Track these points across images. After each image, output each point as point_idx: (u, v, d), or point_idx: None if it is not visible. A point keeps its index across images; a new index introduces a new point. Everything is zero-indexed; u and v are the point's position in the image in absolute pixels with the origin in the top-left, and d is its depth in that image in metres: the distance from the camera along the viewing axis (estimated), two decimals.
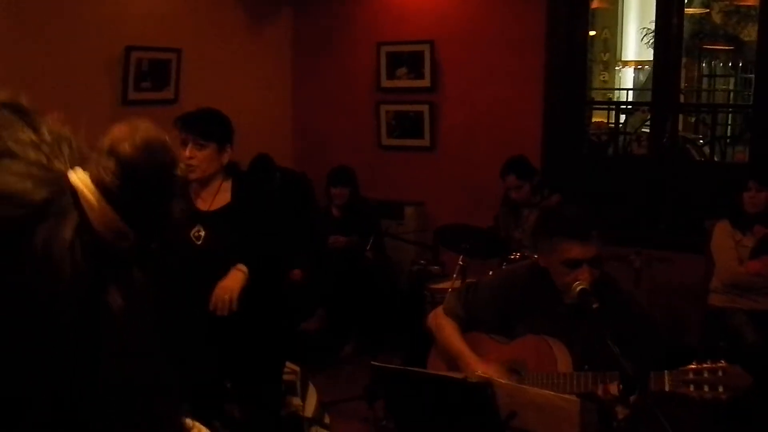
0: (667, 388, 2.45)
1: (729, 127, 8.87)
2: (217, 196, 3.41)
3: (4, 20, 5.05)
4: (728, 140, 8.50)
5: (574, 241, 2.71)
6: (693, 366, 2.44)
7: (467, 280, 4.60)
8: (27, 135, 0.72)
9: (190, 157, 3.31)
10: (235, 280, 3.29)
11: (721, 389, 2.38)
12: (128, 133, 0.70)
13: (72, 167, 0.69)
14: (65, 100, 5.38)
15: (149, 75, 5.85)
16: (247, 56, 6.68)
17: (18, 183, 0.65)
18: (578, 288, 2.68)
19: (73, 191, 0.66)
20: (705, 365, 2.42)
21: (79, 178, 0.68)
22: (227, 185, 3.43)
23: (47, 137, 0.73)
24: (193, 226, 3.37)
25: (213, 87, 6.06)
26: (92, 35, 5.46)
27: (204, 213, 3.38)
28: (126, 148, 0.69)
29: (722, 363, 2.41)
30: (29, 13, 5.16)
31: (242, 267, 3.30)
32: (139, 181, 0.68)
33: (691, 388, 2.42)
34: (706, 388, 2.40)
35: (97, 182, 0.68)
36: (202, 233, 3.36)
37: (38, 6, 5.18)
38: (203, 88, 5.98)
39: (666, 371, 2.46)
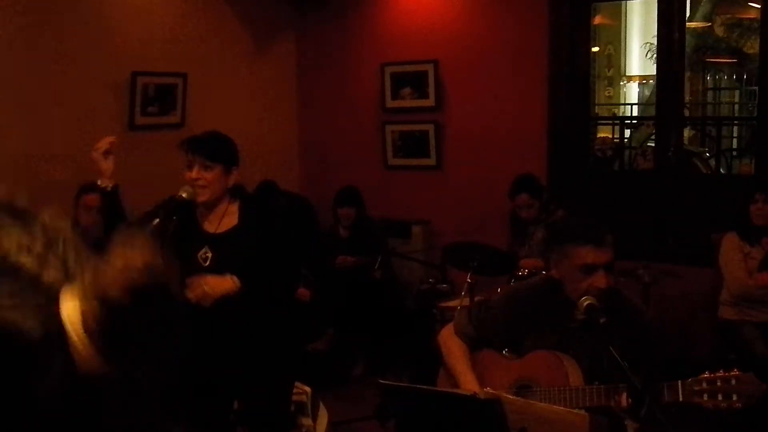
0: (681, 398, 2.45)
1: (735, 140, 8.88)
2: (224, 219, 3.41)
3: (13, 46, 5.10)
4: (734, 153, 8.50)
5: (588, 246, 2.72)
6: (706, 375, 2.44)
7: (477, 298, 4.61)
8: (21, 239, 0.75)
9: (197, 179, 3.32)
10: (224, 281, 3.29)
11: (735, 397, 2.38)
12: (119, 275, 0.73)
13: (60, 283, 0.72)
14: (74, 125, 5.46)
15: (156, 100, 5.90)
16: (252, 79, 6.73)
17: (25, 321, 0.70)
18: (585, 303, 2.68)
19: (61, 331, 0.71)
20: (718, 374, 2.42)
21: (68, 317, 0.72)
22: (234, 208, 3.42)
23: (38, 244, 0.76)
24: (200, 248, 3.38)
25: (219, 110, 6.11)
26: (99, 61, 5.52)
27: (211, 235, 3.39)
28: (115, 294, 0.73)
29: (735, 371, 2.41)
30: (37, 39, 5.22)
31: (236, 280, 3.30)
32: (125, 325, 0.73)
33: (705, 397, 2.42)
34: (720, 397, 2.40)
35: (85, 326, 0.73)
36: (210, 255, 3.36)
37: (46, 32, 5.24)
38: (209, 111, 6.03)
39: (680, 381, 2.46)
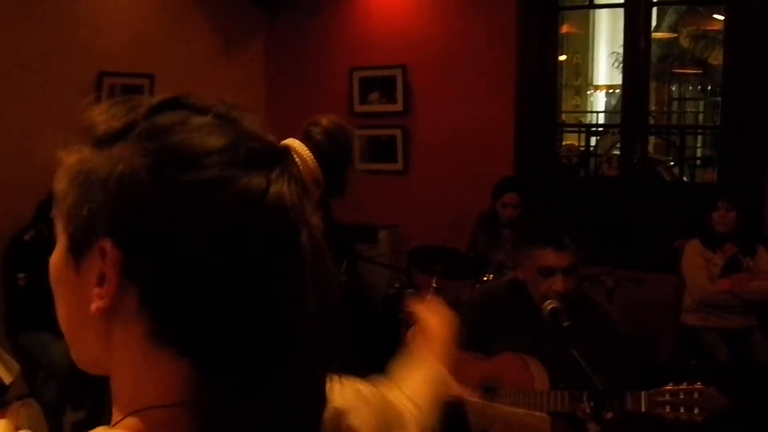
0: (643, 409, 2.45)
1: (698, 149, 9.00)
2: None
3: None
4: (698, 161, 8.61)
5: (547, 249, 2.74)
6: (669, 387, 2.44)
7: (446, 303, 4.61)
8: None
9: None
10: None
11: (696, 411, 2.39)
12: (322, 118, 0.96)
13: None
14: (38, 125, 5.38)
15: None
16: (220, 82, 6.69)
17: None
18: (549, 307, 2.69)
19: (287, 151, 0.88)
20: (681, 386, 2.43)
21: (292, 141, 0.93)
22: None
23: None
24: None
25: None
26: (65, 61, 5.46)
27: None
28: (325, 122, 0.95)
29: (698, 385, 2.42)
30: (2, 39, 5.15)
31: None
32: (335, 145, 0.93)
33: (667, 408, 2.42)
34: (681, 410, 2.40)
35: (307, 141, 0.94)
36: None
37: (10, 32, 5.18)
38: None
39: (643, 392, 2.47)
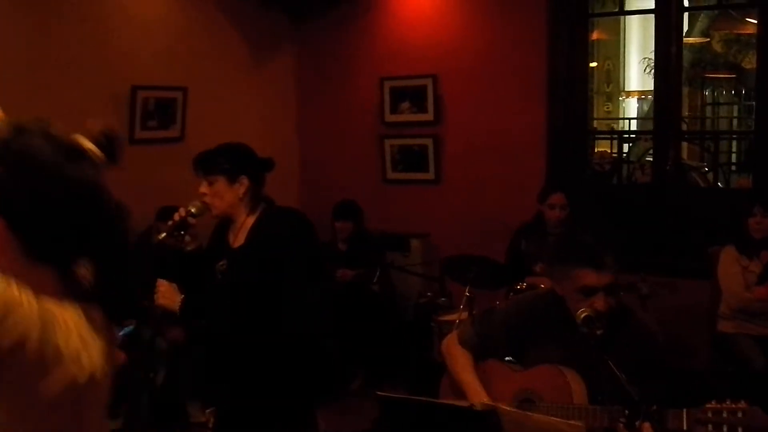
0: (685, 427, 2.40)
1: (733, 154, 8.89)
2: (239, 234, 3.34)
3: (14, 59, 5.12)
4: (732, 167, 8.51)
5: (588, 269, 2.70)
6: (712, 405, 2.38)
7: (475, 311, 4.60)
8: None
9: (204, 194, 3.31)
10: (171, 296, 3.24)
11: (740, 430, 2.33)
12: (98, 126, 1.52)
13: None
14: None
15: (156, 114, 5.92)
16: (252, 93, 6.75)
17: None
18: (583, 315, 2.67)
19: (83, 147, 1.47)
20: (725, 405, 2.37)
21: (83, 141, 1.50)
22: (249, 222, 3.33)
23: None
24: (220, 260, 3.36)
25: (219, 124, 6.13)
26: (99, 74, 5.54)
27: (230, 249, 3.36)
28: (98, 129, 1.49)
29: (742, 404, 2.36)
30: (38, 52, 5.24)
31: (178, 304, 3.24)
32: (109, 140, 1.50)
33: (710, 428, 2.36)
34: (725, 429, 2.34)
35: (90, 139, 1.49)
36: (224, 268, 3.35)
37: (47, 45, 5.26)
38: (209, 125, 6.04)
39: (685, 410, 2.42)
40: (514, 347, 2.95)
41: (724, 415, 2.35)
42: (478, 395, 2.83)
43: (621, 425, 2.45)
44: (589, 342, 2.65)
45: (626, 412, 2.45)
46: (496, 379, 2.90)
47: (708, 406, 2.39)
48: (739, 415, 2.33)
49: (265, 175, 3.43)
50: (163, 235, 3.26)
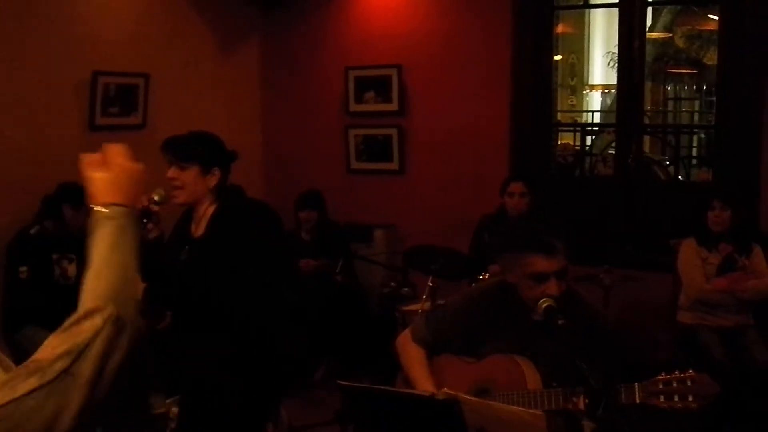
0: (638, 400, 2.45)
1: (694, 149, 9.01)
2: (202, 222, 3.33)
3: None
4: (693, 161, 8.62)
5: (539, 255, 2.72)
6: (662, 376, 2.44)
7: (438, 302, 4.61)
8: None
9: (173, 179, 3.26)
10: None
11: (690, 398, 2.38)
12: None
13: None
14: (33, 124, 5.38)
15: (117, 100, 5.83)
16: (216, 81, 6.69)
17: None
18: (544, 305, 2.69)
19: None
20: (674, 375, 2.43)
21: None
22: (210, 211, 3.32)
23: None
24: (182, 249, 3.34)
25: (182, 112, 6.06)
26: (60, 59, 5.45)
27: (192, 238, 3.33)
28: None
29: (691, 372, 2.42)
30: None
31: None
32: None
33: (662, 398, 2.42)
34: (676, 398, 2.40)
35: None
36: (185, 257, 3.32)
37: (5, 29, 5.16)
38: (172, 113, 5.98)
39: (636, 383, 2.47)
40: (468, 340, 2.96)
41: (674, 384, 2.41)
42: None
43: (576, 404, 2.48)
44: (545, 330, 2.67)
45: (583, 396, 2.47)
46: (450, 373, 2.91)
47: (658, 378, 2.44)
48: (689, 383, 2.40)
49: (230, 167, 3.41)
50: None
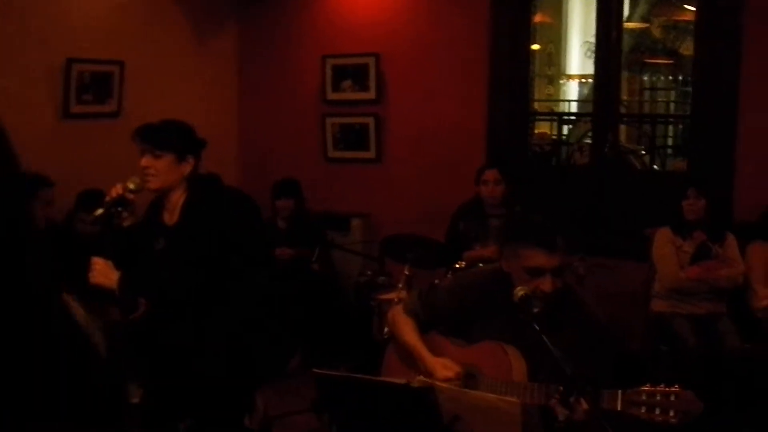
0: (619, 408, 2.43)
1: (669, 138, 9.05)
2: (175, 211, 3.32)
3: None
4: (668, 150, 8.66)
5: (539, 250, 2.71)
6: (647, 388, 2.42)
7: (429, 284, 4.60)
8: None
9: (146, 167, 3.25)
10: (107, 274, 3.18)
11: (672, 413, 2.37)
12: None
13: None
14: (5, 112, 5.31)
15: (91, 88, 5.78)
16: (192, 69, 6.64)
17: None
18: (520, 293, 2.69)
19: None
20: (659, 388, 2.41)
21: None
22: (182, 199, 3.32)
23: None
24: (156, 238, 3.32)
25: (157, 100, 6.02)
26: (33, 46, 5.39)
27: (165, 226, 3.32)
28: None
29: (676, 388, 2.40)
30: None
31: (115, 282, 3.17)
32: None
33: (643, 409, 2.39)
34: (657, 411, 2.38)
35: None
36: (162, 246, 3.31)
37: None
38: (147, 101, 5.93)
39: (620, 391, 2.46)
40: (459, 322, 2.96)
41: (658, 398, 2.39)
42: (427, 359, 2.86)
43: (554, 401, 2.48)
44: (526, 318, 2.67)
45: (561, 389, 2.47)
46: (438, 353, 2.91)
47: (643, 388, 2.42)
48: (672, 398, 2.37)
49: (201, 154, 3.40)
50: (100, 211, 3.21)
